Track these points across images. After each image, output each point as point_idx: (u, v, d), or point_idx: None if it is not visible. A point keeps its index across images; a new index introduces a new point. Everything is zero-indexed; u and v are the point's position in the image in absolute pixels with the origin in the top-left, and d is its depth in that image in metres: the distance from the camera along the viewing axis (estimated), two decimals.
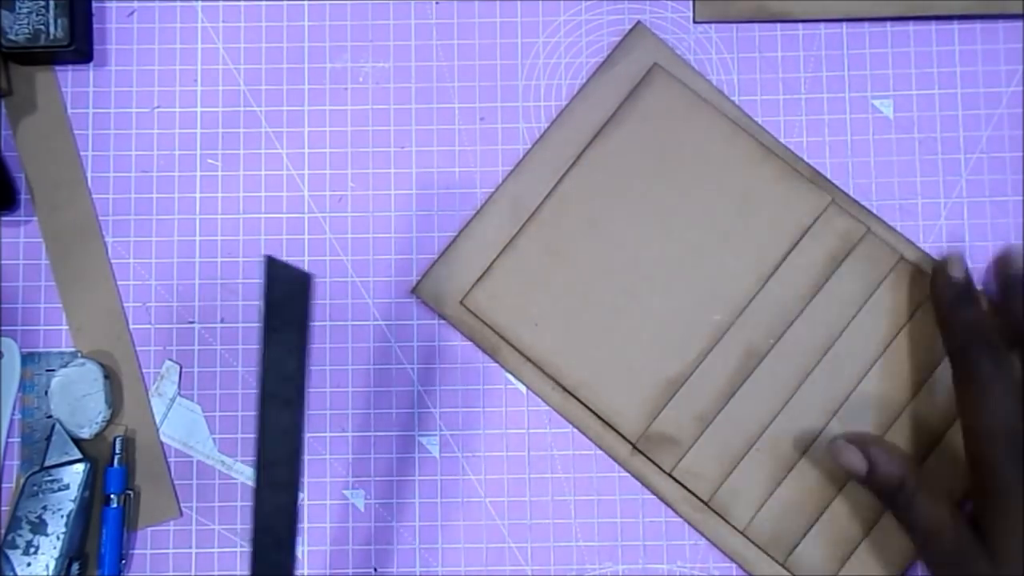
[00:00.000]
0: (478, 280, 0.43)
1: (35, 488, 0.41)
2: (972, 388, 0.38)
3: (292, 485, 0.33)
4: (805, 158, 0.44)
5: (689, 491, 0.42)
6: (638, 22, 0.44)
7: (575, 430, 0.43)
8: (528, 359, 0.43)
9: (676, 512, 0.42)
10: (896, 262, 0.42)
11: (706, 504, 0.42)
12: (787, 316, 0.42)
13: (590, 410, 0.43)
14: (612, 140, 0.43)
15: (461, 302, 0.43)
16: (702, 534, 0.42)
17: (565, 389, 0.43)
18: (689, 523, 0.42)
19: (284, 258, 0.44)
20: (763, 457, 0.42)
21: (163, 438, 0.43)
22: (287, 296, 0.33)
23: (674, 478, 0.42)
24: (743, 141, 0.43)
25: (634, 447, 0.42)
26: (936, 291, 0.41)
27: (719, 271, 0.43)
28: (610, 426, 0.42)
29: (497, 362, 0.43)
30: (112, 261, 0.44)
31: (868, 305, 0.42)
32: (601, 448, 0.43)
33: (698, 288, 0.43)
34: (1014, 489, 0.35)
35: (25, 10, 0.43)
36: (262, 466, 0.32)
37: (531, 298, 0.43)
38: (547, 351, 0.43)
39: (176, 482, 0.43)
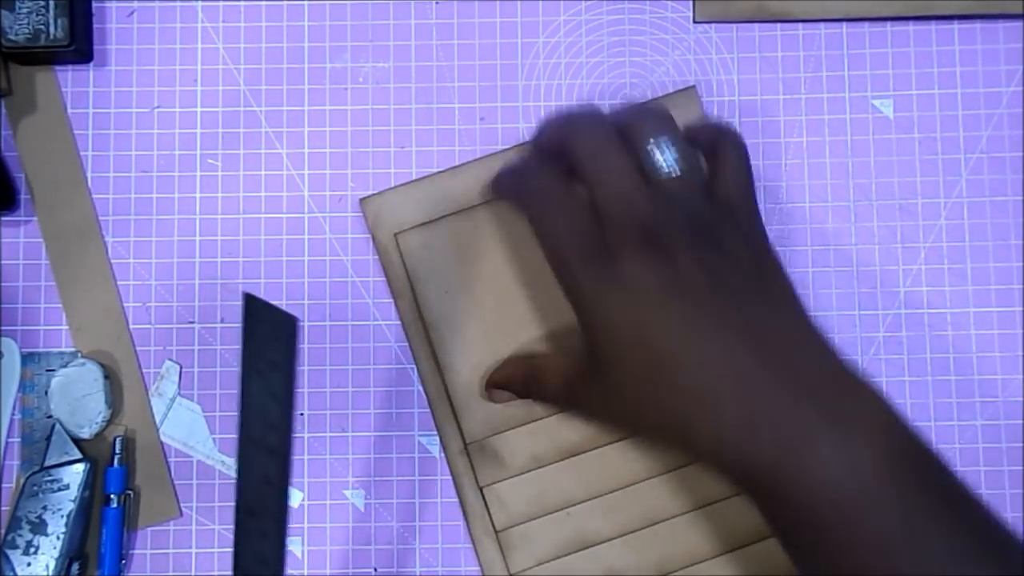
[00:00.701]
0: (422, 224, 0.43)
1: (35, 488, 0.41)
2: (541, 230, 0.37)
3: (278, 536, 0.31)
4: (805, 158, 0.44)
5: (488, 512, 0.42)
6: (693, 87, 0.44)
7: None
8: (420, 317, 0.43)
9: (467, 527, 0.43)
10: None
11: (495, 532, 0.42)
12: None
13: (446, 393, 0.43)
14: None
15: (395, 234, 0.43)
16: (477, 556, 0.42)
17: (436, 363, 0.43)
18: (473, 542, 0.42)
19: (284, 258, 0.44)
20: (572, 523, 0.42)
21: (163, 438, 0.43)
22: (271, 337, 0.31)
23: (482, 493, 0.42)
24: None
25: (465, 447, 0.42)
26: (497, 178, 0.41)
27: None
28: (455, 417, 0.42)
29: (395, 308, 0.43)
30: (112, 261, 0.44)
31: None
32: (439, 435, 0.43)
33: None
34: (596, 297, 0.35)
35: (25, 10, 0.43)
36: (243, 515, 0.30)
37: (454, 268, 0.43)
38: (440, 320, 0.43)
39: (176, 482, 0.43)
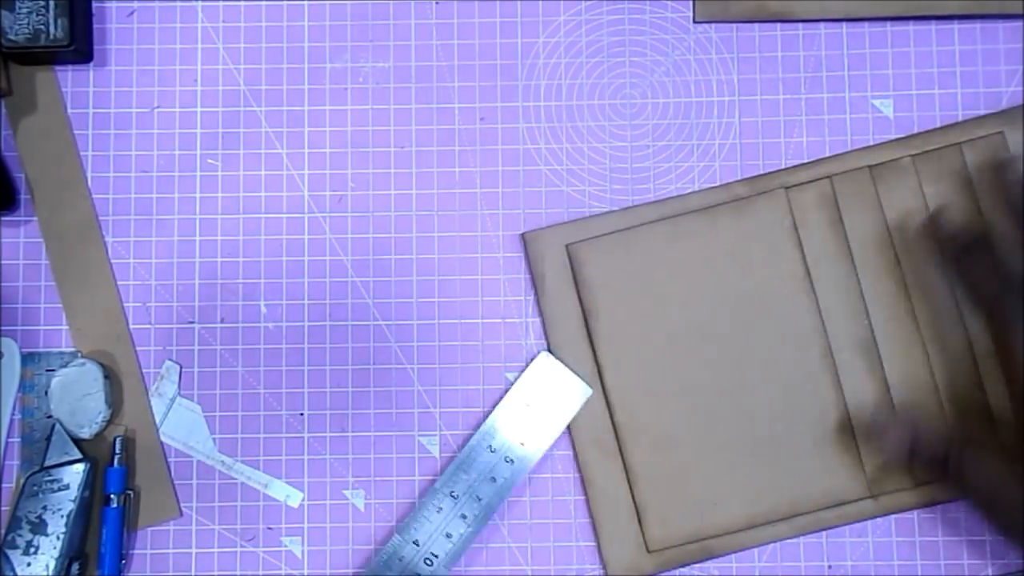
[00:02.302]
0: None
1: (35, 488, 0.41)
2: (1012, 336, 0.37)
3: None
4: (805, 158, 0.44)
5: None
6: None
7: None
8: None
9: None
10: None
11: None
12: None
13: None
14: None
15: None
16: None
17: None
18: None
19: (284, 258, 0.44)
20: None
21: (163, 438, 0.43)
22: None
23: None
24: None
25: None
26: (941, 245, 0.41)
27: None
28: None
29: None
30: (112, 261, 0.44)
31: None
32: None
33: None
34: None
35: (25, 10, 0.43)
36: None
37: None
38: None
39: (176, 482, 0.43)
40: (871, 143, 0.44)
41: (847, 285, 0.42)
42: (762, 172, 0.44)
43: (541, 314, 0.43)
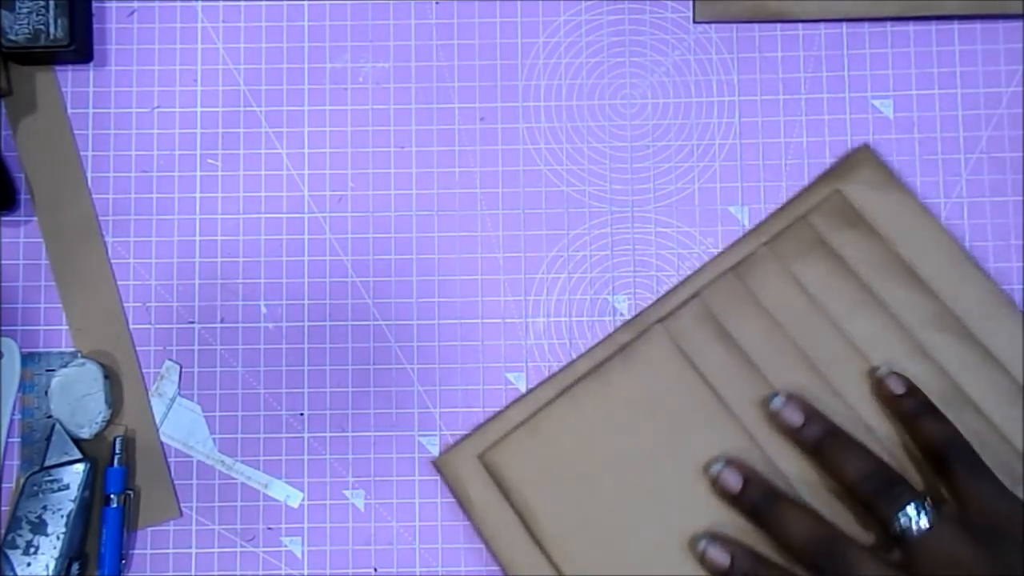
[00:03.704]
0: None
1: (35, 488, 0.41)
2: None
3: None
4: (805, 158, 0.44)
5: None
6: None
7: None
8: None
9: None
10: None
11: None
12: None
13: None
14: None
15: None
16: None
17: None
18: None
19: (284, 258, 0.44)
20: None
21: (163, 438, 0.43)
22: None
23: None
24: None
25: None
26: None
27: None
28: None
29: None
30: (112, 261, 0.44)
31: None
32: None
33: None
34: None
35: (25, 10, 0.43)
36: None
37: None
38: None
39: (176, 482, 0.43)
40: (871, 143, 0.44)
41: (755, 389, 0.41)
42: (640, 309, 0.43)
43: (481, 536, 0.41)
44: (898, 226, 0.43)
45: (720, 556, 0.39)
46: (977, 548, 0.36)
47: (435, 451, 0.43)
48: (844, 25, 0.45)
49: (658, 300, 0.43)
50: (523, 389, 0.43)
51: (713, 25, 0.45)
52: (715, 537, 0.39)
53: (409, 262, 0.44)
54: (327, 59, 0.45)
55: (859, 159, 0.43)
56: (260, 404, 0.43)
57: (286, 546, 0.43)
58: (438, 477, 0.43)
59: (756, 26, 0.45)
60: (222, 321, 0.44)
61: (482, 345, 0.44)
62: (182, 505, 0.43)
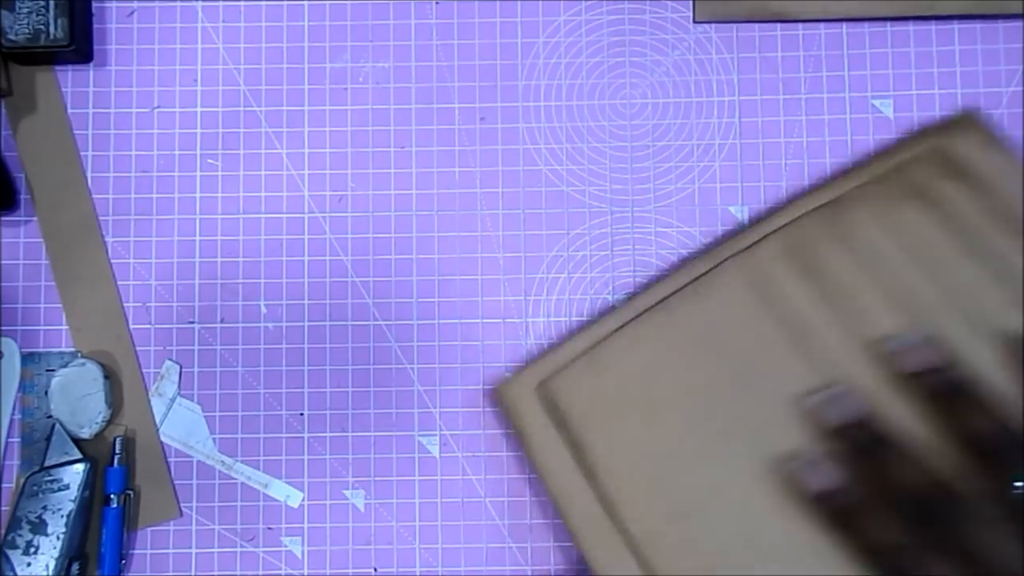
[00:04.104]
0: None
1: (35, 488, 0.41)
2: None
3: None
4: (805, 158, 0.44)
5: None
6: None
7: None
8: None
9: None
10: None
11: None
12: None
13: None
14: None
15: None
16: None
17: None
18: None
19: (284, 258, 0.44)
20: None
21: (163, 438, 0.43)
22: None
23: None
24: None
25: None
26: (810, 496, 0.36)
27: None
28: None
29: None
30: (112, 261, 0.44)
31: None
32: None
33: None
34: None
35: (25, 10, 0.43)
36: None
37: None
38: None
39: (176, 482, 0.43)
40: (871, 143, 0.44)
41: (847, 327, 0.39)
42: (719, 236, 0.43)
43: (535, 469, 0.41)
44: (1005, 183, 0.40)
45: (819, 477, 0.35)
46: None
47: (435, 451, 0.43)
48: (844, 25, 0.45)
49: (733, 235, 0.42)
50: None
51: (713, 25, 0.45)
52: (811, 460, 0.36)
53: (409, 262, 0.44)
54: (327, 59, 0.45)
55: (967, 119, 0.42)
56: (260, 404, 0.43)
57: (286, 546, 0.43)
58: (438, 477, 0.43)
59: (756, 26, 0.45)
60: (222, 321, 0.44)
61: (482, 345, 0.44)
62: (182, 505, 0.43)
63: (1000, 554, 0.31)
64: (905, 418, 0.37)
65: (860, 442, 0.35)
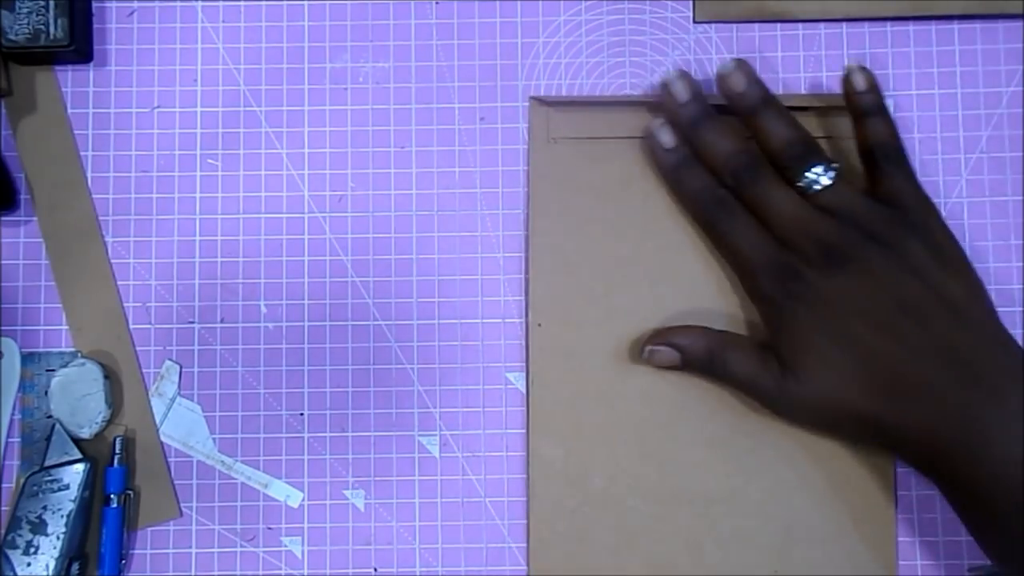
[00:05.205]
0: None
1: (35, 488, 0.41)
2: (722, 243, 0.41)
3: None
4: None
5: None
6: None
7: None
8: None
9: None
10: None
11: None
12: None
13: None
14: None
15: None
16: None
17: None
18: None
19: (284, 258, 0.44)
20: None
21: (163, 438, 0.43)
22: None
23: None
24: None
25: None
26: (656, 160, 0.43)
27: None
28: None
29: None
30: (112, 261, 0.44)
31: None
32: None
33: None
34: (787, 309, 0.39)
35: (25, 10, 0.43)
36: None
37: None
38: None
39: (176, 482, 0.43)
40: None
41: None
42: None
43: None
44: None
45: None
46: (872, 206, 0.39)
47: (435, 451, 0.43)
48: (844, 25, 0.45)
49: None
50: (523, 389, 0.43)
51: (713, 25, 0.45)
52: (657, 127, 0.42)
53: (409, 262, 0.44)
54: (327, 59, 0.45)
55: None
56: (260, 404, 0.43)
57: (286, 546, 0.43)
58: (438, 477, 0.43)
59: (756, 26, 0.45)
60: (222, 321, 0.44)
61: (482, 345, 0.44)
62: (182, 505, 0.43)
63: (780, 202, 0.40)
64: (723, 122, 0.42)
65: (690, 115, 0.42)
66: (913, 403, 0.37)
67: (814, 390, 0.38)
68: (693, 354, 0.41)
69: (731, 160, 0.41)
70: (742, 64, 0.41)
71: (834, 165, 0.40)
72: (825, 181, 0.40)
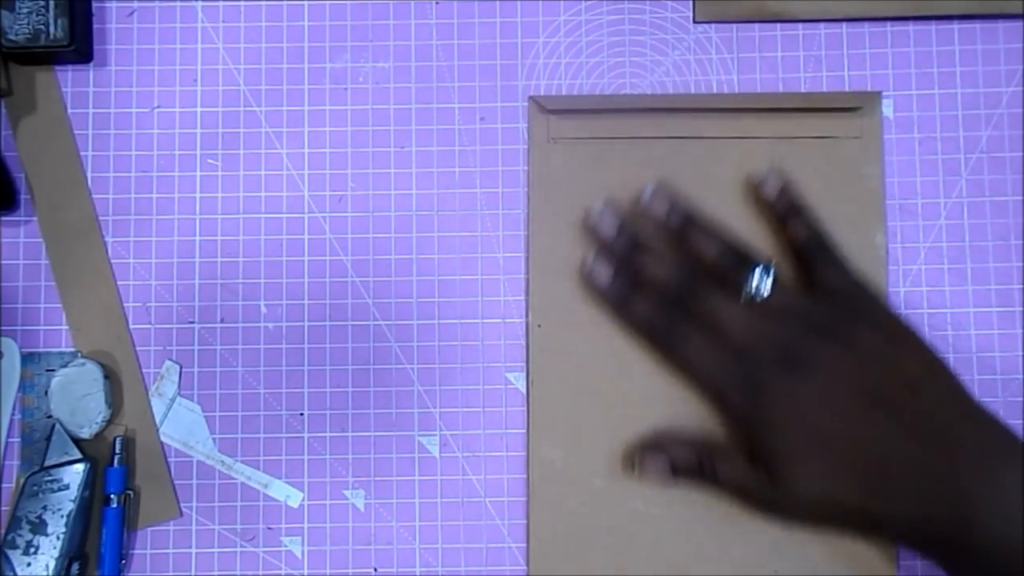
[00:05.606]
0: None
1: (35, 488, 0.41)
2: (680, 367, 0.42)
3: None
4: None
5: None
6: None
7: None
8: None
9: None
10: None
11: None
12: None
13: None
14: None
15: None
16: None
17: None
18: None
19: (284, 258, 0.44)
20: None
21: (163, 438, 0.43)
22: None
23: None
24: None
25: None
26: (597, 294, 0.43)
27: None
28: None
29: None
30: (112, 261, 0.44)
31: None
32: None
33: None
34: (761, 419, 0.39)
35: (25, 10, 0.43)
36: None
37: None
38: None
39: (176, 482, 0.43)
40: None
41: None
42: None
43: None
44: None
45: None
46: (815, 301, 0.40)
47: (435, 451, 0.43)
48: (844, 25, 0.45)
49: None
50: (523, 389, 0.43)
51: (713, 25, 0.45)
52: (593, 262, 0.42)
53: (409, 262, 0.44)
54: (327, 59, 0.45)
55: None
56: (260, 404, 0.43)
57: (286, 546, 0.43)
58: (438, 477, 0.43)
59: (756, 26, 0.45)
60: (222, 321, 0.44)
61: (482, 345, 0.44)
62: (182, 505, 0.43)
63: (730, 318, 0.40)
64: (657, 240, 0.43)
65: (622, 247, 0.42)
66: (897, 488, 0.37)
67: (802, 491, 0.38)
68: (683, 464, 0.41)
69: (672, 284, 0.41)
70: (659, 190, 0.42)
71: (771, 266, 0.40)
72: (767, 286, 0.40)
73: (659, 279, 0.41)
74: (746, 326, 0.39)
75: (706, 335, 0.40)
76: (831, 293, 0.40)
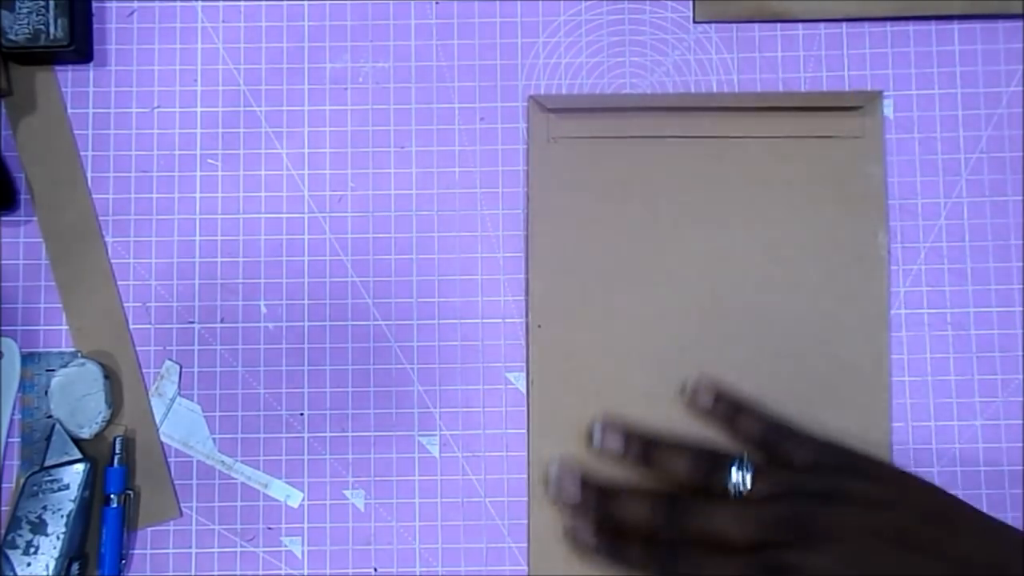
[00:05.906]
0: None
1: (35, 488, 0.41)
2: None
3: None
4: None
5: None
6: None
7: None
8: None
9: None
10: None
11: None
12: None
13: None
14: None
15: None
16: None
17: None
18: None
19: (284, 258, 0.44)
20: None
21: (163, 438, 0.43)
22: None
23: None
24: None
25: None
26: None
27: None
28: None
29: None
30: (112, 261, 0.44)
31: None
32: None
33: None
34: None
35: (25, 10, 0.43)
36: None
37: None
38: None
39: (176, 482, 0.43)
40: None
41: None
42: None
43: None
44: None
45: (582, 535, 0.41)
46: (800, 476, 0.39)
47: (435, 451, 0.43)
48: (844, 25, 0.45)
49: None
50: (523, 389, 0.43)
51: (713, 25, 0.45)
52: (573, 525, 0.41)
53: (409, 262, 0.44)
54: (327, 59, 0.45)
55: None
56: (260, 404, 0.43)
57: (286, 546, 0.43)
58: (438, 477, 0.43)
59: (756, 26, 0.45)
60: (222, 321, 0.44)
61: (482, 345, 0.44)
62: (182, 505, 0.43)
63: (725, 522, 0.38)
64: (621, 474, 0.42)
65: (593, 504, 0.41)
66: None
67: None
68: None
69: (656, 518, 0.39)
70: (607, 424, 0.42)
71: (743, 458, 0.39)
72: (747, 478, 0.39)
73: (641, 518, 0.40)
74: (745, 522, 0.38)
75: (710, 550, 0.38)
76: (806, 465, 0.40)
